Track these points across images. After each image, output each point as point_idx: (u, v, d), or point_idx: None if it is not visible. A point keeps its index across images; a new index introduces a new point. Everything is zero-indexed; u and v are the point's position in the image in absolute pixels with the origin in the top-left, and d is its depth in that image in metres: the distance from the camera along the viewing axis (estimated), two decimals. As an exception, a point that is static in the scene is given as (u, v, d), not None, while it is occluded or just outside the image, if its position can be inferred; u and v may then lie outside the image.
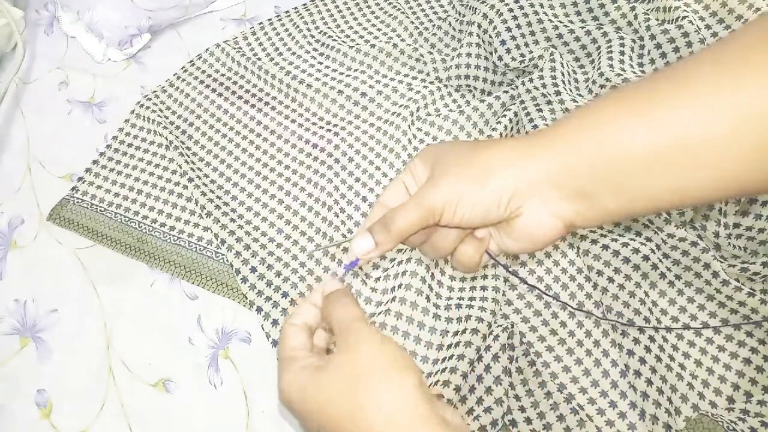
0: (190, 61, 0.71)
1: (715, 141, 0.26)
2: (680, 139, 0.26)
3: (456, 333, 0.50)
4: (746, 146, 0.26)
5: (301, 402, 0.29)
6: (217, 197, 0.60)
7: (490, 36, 0.61)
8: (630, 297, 0.49)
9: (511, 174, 0.30)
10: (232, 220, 0.58)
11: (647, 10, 0.57)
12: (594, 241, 0.52)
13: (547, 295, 0.44)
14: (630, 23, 0.58)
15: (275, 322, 0.52)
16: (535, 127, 0.55)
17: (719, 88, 0.26)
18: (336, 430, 0.27)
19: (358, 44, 0.69)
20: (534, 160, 0.30)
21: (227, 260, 0.56)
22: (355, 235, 0.33)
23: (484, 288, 0.51)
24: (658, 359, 0.47)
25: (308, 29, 0.73)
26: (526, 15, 0.60)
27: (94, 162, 0.64)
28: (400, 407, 0.27)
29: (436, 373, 0.48)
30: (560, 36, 0.60)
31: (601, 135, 0.28)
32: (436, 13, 0.73)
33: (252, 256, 0.56)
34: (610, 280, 0.50)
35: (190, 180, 0.60)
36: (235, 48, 0.71)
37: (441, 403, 0.29)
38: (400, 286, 0.51)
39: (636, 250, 0.50)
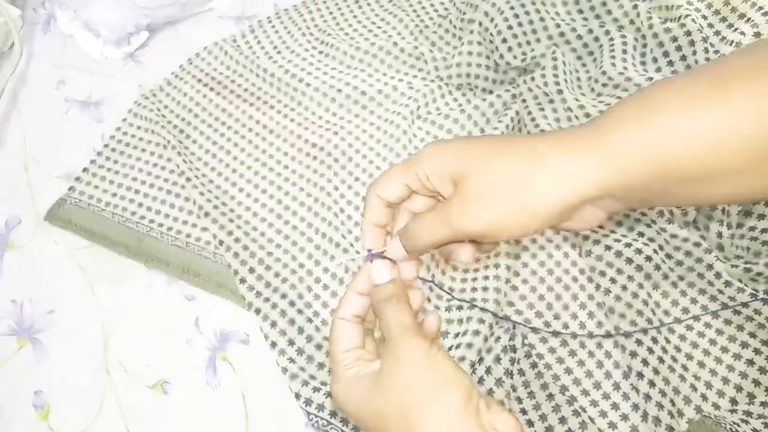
0: (189, 60, 0.70)
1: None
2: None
3: (457, 335, 0.49)
4: None
5: (356, 411, 0.30)
6: (216, 197, 0.59)
7: (492, 34, 0.61)
8: (633, 298, 0.49)
9: (567, 198, 0.27)
10: (231, 221, 0.57)
11: (650, 8, 0.57)
12: (596, 242, 0.51)
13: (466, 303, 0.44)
14: (632, 21, 0.58)
15: (274, 324, 0.52)
16: (536, 125, 0.55)
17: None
18: None
19: (358, 42, 0.69)
20: (590, 179, 0.27)
21: (225, 261, 0.56)
22: (391, 241, 0.33)
23: (485, 289, 0.51)
24: (661, 361, 0.47)
25: (307, 27, 0.72)
26: (527, 13, 0.60)
27: (92, 161, 0.64)
28: (450, 429, 0.27)
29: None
30: (562, 34, 0.59)
31: (663, 146, 0.26)
32: (437, 11, 0.72)
33: (250, 257, 0.55)
34: (613, 281, 0.50)
35: (188, 180, 0.60)
36: (233, 46, 0.70)
37: (495, 410, 0.28)
38: (400, 287, 0.51)
39: (639, 251, 0.49)
